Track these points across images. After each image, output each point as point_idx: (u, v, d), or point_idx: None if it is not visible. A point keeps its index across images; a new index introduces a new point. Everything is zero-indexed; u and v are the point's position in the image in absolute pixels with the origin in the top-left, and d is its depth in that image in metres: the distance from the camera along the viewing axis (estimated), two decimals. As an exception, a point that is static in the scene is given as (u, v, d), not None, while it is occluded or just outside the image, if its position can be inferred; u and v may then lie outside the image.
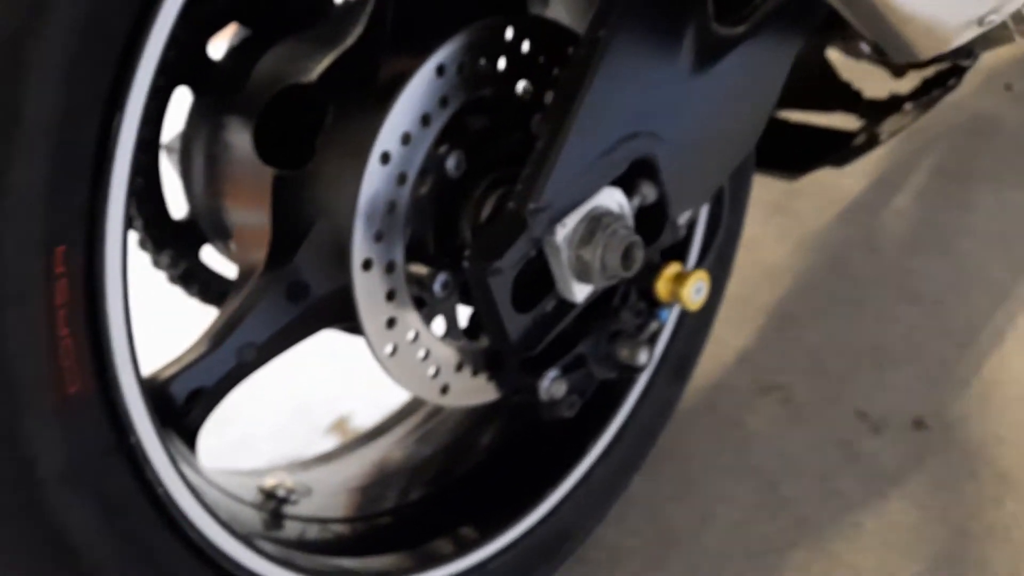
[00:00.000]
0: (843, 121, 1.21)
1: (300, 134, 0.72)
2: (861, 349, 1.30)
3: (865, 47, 0.66)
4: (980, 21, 0.63)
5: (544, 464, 0.91)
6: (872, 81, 1.26)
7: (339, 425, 1.18)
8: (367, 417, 1.19)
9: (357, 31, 0.72)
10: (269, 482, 0.79)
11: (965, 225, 1.51)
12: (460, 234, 0.71)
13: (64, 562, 0.52)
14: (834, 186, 1.59)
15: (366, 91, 0.72)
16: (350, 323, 0.77)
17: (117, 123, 0.49)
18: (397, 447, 0.93)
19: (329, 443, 1.13)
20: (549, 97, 0.73)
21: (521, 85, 0.72)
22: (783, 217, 1.54)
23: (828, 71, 1.22)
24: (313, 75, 0.71)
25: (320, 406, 1.20)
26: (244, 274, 0.73)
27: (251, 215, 0.72)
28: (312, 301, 0.73)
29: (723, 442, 1.16)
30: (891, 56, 0.70)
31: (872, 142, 0.99)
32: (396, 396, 1.20)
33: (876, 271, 1.44)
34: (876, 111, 1.16)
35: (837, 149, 1.10)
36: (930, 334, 1.32)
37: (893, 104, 1.16)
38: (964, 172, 1.63)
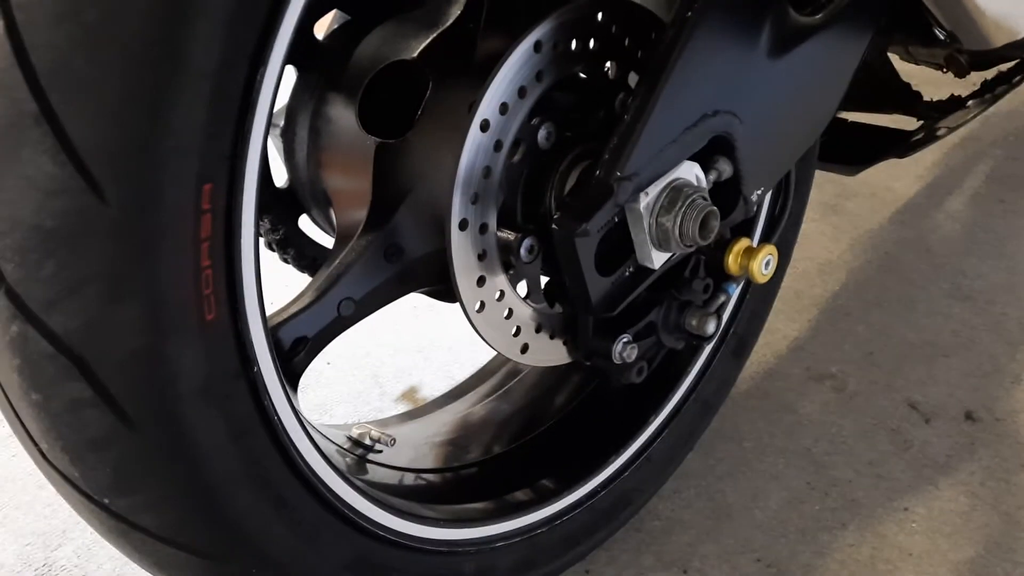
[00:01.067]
0: (900, 123, 1.24)
1: (400, 106, 0.77)
2: (913, 343, 1.33)
3: (940, 33, 0.70)
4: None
5: (610, 431, 0.95)
6: (927, 87, 1.29)
7: (408, 394, 1.23)
8: (434, 388, 1.25)
9: (455, 12, 0.78)
10: (356, 431, 0.84)
11: (1018, 230, 1.53)
12: (545, 202, 0.76)
13: (194, 472, 0.58)
14: (887, 189, 1.62)
15: (465, 66, 0.77)
16: (438, 286, 0.83)
17: (261, 76, 0.54)
18: (478, 406, 0.98)
19: (400, 410, 1.19)
20: (632, 77, 0.78)
21: (608, 65, 0.76)
22: (837, 216, 1.57)
23: (889, 72, 1.26)
24: (414, 52, 0.76)
25: (391, 376, 1.26)
26: (342, 237, 0.79)
27: (352, 181, 0.78)
28: (406, 262, 0.78)
29: (776, 425, 1.20)
30: (964, 43, 0.74)
31: (933, 135, 1.02)
32: (461, 370, 1.26)
33: (928, 270, 1.47)
34: (936, 112, 1.19)
35: (896, 146, 1.13)
36: (980, 331, 1.35)
37: (953, 105, 1.19)
38: (1018, 178, 1.65)
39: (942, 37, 0.73)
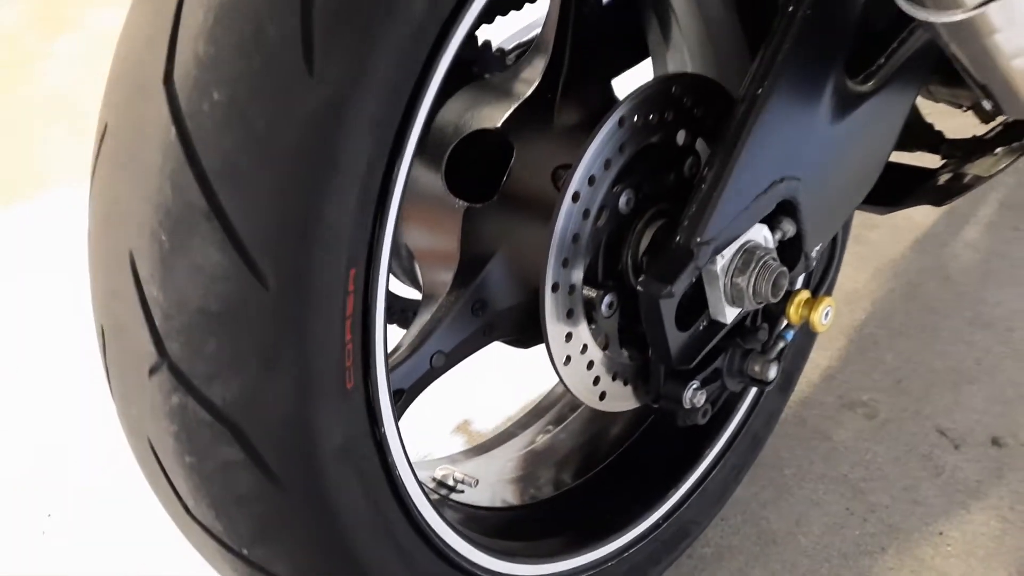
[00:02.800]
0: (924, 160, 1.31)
1: (485, 171, 0.83)
2: (938, 370, 1.39)
3: (978, 94, 0.76)
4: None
5: (668, 464, 1.01)
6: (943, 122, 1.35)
7: (462, 427, 1.29)
8: (485, 422, 1.31)
9: (534, 82, 0.84)
10: (440, 472, 0.90)
11: (1035, 257, 1.60)
12: (623, 260, 0.82)
13: (329, 523, 0.64)
14: (907, 218, 1.69)
15: (545, 133, 0.84)
16: (517, 335, 0.89)
17: (397, 169, 0.60)
18: (540, 441, 1.04)
19: (455, 441, 1.25)
20: (700, 143, 0.84)
21: (679, 132, 0.83)
22: (860, 247, 1.63)
23: (914, 112, 1.32)
24: (498, 122, 0.82)
25: (446, 411, 1.32)
26: (430, 293, 0.84)
27: (440, 242, 0.84)
28: (491, 315, 0.84)
29: (813, 452, 1.26)
30: (1002, 112, 0.81)
31: (970, 183, 1.08)
32: (510, 405, 1.32)
33: (950, 298, 1.53)
34: (959, 152, 1.26)
35: (922, 184, 1.19)
36: (1002, 358, 1.41)
37: (974, 144, 1.25)
38: (1031, 206, 1.72)
39: (981, 100, 0.79)
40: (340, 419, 0.62)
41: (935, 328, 1.47)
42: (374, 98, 0.57)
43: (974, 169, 1.12)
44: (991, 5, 0.55)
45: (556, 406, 1.10)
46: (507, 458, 0.99)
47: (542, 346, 0.81)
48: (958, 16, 0.57)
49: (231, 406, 0.59)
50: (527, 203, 0.82)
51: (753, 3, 0.95)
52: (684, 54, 1.00)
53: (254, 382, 0.58)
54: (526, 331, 0.89)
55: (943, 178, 1.19)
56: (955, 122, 1.23)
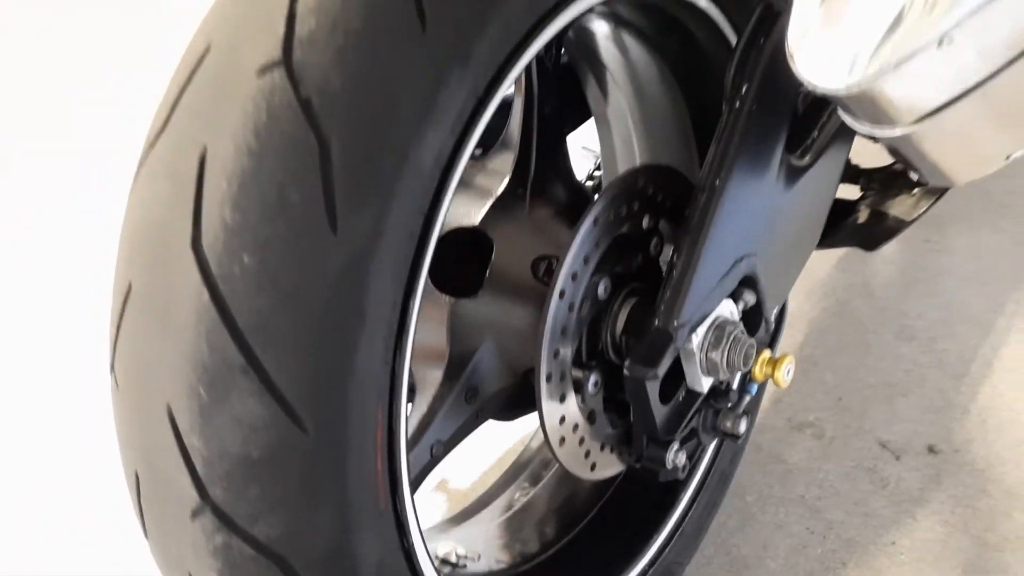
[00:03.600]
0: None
1: (467, 267, 0.88)
2: (874, 385, 1.50)
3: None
4: (1008, 157, 0.83)
5: (647, 512, 1.08)
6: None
7: (441, 486, 1.34)
8: (462, 480, 1.36)
9: (505, 178, 0.90)
10: (442, 551, 0.95)
11: (946, 267, 1.73)
12: (603, 339, 0.88)
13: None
14: (829, 236, 1.81)
15: (521, 227, 0.89)
16: (504, 413, 0.94)
17: (412, 305, 0.65)
18: (523, 500, 1.09)
19: (436, 500, 1.30)
20: (663, 224, 0.90)
21: (645, 218, 0.89)
22: (790, 268, 1.74)
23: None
24: (476, 219, 0.88)
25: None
26: (421, 386, 0.89)
27: (428, 336, 0.88)
28: (481, 400, 0.89)
29: (770, 477, 1.35)
30: (925, 183, 0.90)
31: (894, 226, 1.18)
32: (484, 464, 1.37)
33: (876, 314, 1.65)
34: (876, 182, 1.36)
35: (844, 219, 1.29)
36: (929, 368, 1.53)
37: (890, 174, 1.36)
38: (939, 219, 1.85)
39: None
40: (376, 538, 0.66)
41: (866, 344, 1.59)
42: (393, 247, 0.61)
43: (894, 209, 1.21)
44: (924, 122, 0.63)
45: (530, 465, 1.16)
46: (492, 521, 1.05)
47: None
48: (896, 132, 0.65)
49: (276, 542, 0.62)
50: (511, 294, 0.87)
51: (688, 77, 1.03)
52: (627, 120, 1.07)
53: (297, 518, 0.62)
54: (513, 408, 0.94)
55: (864, 213, 1.29)
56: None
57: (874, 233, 1.17)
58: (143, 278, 0.62)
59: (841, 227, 1.27)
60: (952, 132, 0.65)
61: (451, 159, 0.64)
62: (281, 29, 0.60)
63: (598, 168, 1.38)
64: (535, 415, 0.92)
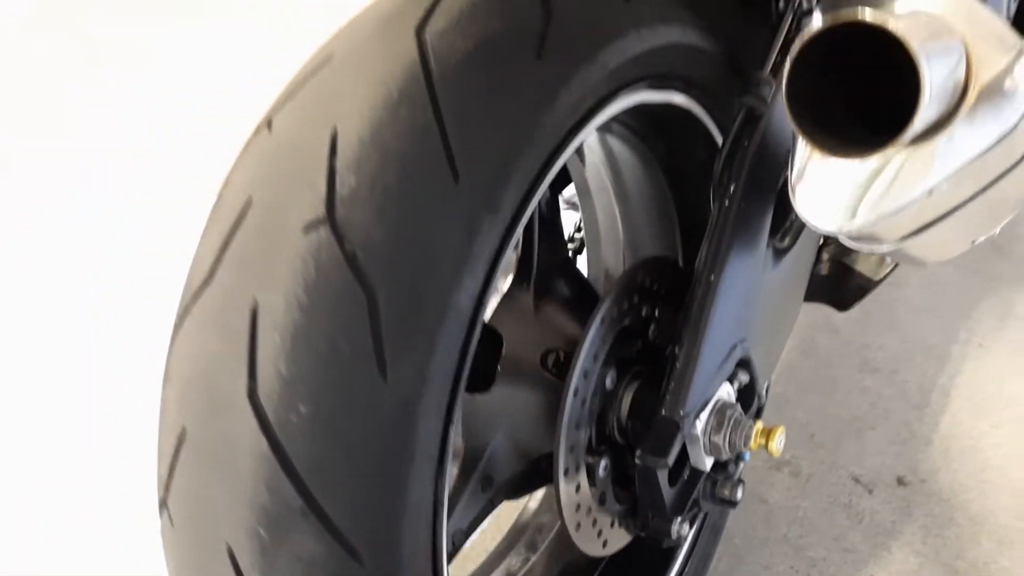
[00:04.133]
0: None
1: (480, 363, 0.93)
2: (844, 420, 1.58)
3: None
4: (973, 241, 0.90)
5: (647, 569, 1.14)
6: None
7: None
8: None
9: (510, 274, 0.94)
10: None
11: (902, 300, 1.83)
12: (610, 424, 0.93)
13: None
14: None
15: (527, 322, 0.94)
16: (515, 494, 0.99)
17: (449, 430, 0.69)
18: (526, 565, 1.14)
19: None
20: (660, 310, 0.96)
21: (644, 309, 0.95)
22: (756, 306, 1.82)
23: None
24: (486, 316, 0.92)
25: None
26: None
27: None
28: (496, 487, 0.94)
29: (754, 517, 1.42)
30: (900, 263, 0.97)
31: (863, 285, 1.26)
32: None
33: (840, 348, 1.73)
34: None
35: (829, 294, 1.35)
36: (892, 400, 1.62)
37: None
38: (891, 249, 1.95)
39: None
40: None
41: (833, 380, 1.67)
42: (437, 387, 0.65)
43: (860, 264, 1.29)
44: (906, 240, 0.69)
45: (527, 532, 1.20)
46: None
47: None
48: (881, 250, 0.71)
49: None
50: (522, 386, 0.92)
51: (674, 169, 1.08)
52: (611, 201, 1.13)
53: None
54: (524, 488, 0.99)
55: (827, 264, 1.37)
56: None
57: (843, 293, 1.24)
58: (199, 425, 0.65)
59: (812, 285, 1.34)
60: (928, 240, 0.71)
61: (482, 294, 0.69)
62: (323, 187, 0.64)
63: (579, 229, 1.43)
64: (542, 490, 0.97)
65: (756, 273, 0.94)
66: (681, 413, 0.87)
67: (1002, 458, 1.50)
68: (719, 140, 0.98)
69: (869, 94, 0.58)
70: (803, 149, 0.68)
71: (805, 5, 0.92)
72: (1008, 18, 1.53)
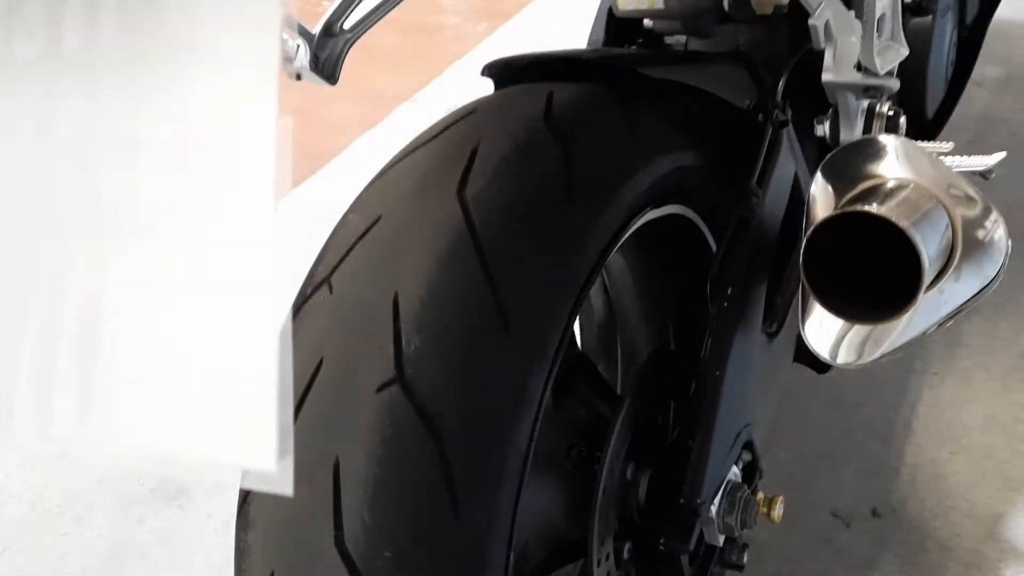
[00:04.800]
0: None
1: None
2: (817, 455, 1.70)
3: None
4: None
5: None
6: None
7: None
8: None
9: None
10: None
11: (861, 333, 1.96)
12: (630, 509, 1.02)
13: None
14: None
15: (550, 422, 1.02)
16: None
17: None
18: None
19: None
20: (669, 402, 1.05)
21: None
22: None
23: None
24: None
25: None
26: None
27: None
28: (525, 573, 1.01)
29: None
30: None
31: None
32: None
33: (806, 384, 1.85)
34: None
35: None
36: (858, 433, 1.74)
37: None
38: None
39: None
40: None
41: (803, 415, 1.78)
42: (503, 518, 0.73)
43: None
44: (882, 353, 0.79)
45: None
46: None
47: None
48: (858, 364, 0.81)
49: None
50: (549, 481, 1.00)
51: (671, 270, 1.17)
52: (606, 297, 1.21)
53: None
54: (547, 570, 1.07)
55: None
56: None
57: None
58: (288, 570, 0.72)
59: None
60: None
61: (535, 429, 0.76)
62: (391, 350, 0.71)
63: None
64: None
65: (754, 361, 1.04)
66: (698, 501, 0.96)
67: (963, 484, 1.63)
68: (712, 242, 1.07)
69: (873, 256, 0.67)
70: (817, 305, 0.77)
71: (781, 117, 1.02)
72: (950, 64, 1.66)
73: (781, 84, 1.02)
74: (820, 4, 0.78)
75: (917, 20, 1.44)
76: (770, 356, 1.07)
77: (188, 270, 0.39)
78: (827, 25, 0.78)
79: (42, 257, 0.41)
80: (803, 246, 0.64)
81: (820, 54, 0.92)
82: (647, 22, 1.32)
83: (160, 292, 0.39)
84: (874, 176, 0.70)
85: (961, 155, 1.03)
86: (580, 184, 0.81)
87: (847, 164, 0.73)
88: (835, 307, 0.65)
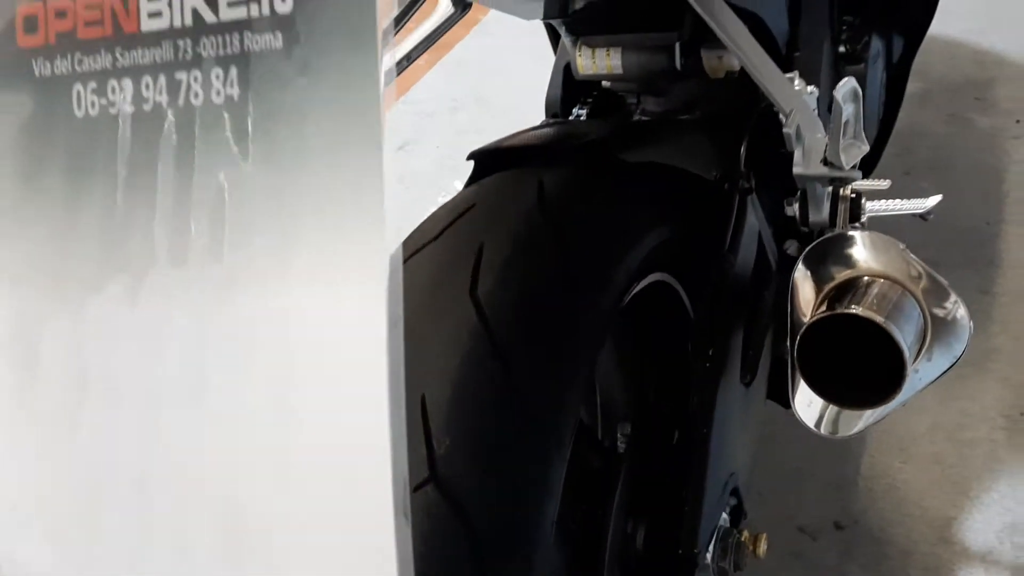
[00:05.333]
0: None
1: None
2: (784, 473, 1.80)
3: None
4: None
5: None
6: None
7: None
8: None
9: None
10: None
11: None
12: (631, 562, 1.09)
13: None
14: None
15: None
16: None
17: None
18: None
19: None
20: (661, 460, 1.12)
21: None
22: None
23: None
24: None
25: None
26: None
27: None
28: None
29: None
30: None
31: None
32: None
33: (772, 408, 1.95)
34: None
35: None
36: (818, 449, 1.85)
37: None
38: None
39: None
40: None
41: (771, 432, 1.88)
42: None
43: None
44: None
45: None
46: None
47: None
48: (842, 436, 0.89)
49: None
50: (558, 542, 1.06)
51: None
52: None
53: None
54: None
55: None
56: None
57: (785, 389, 1.44)
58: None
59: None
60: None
61: (555, 511, 0.83)
62: (424, 451, 0.77)
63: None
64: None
65: (736, 413, 1.12)
66: (695, 551, 1.03)
67: (916, 492, 1.75)
68: (688, 305, 1.15)
69: (858, 346, 0.76)
70: (807, 388, 0.85)
71: (746, 185, 1.10)
72: (881, 104, 1.78)
73: (743, 154, 1.11)
74: (792, 111, 0.86)
75: (851, 68, 1.54)
76: (749, 404, 1.15)
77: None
78: (798, 129, 0.86)
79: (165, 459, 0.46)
80: (796, 344, 0.72)
81: (774, 115, 1.00)
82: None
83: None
84: (850, 268, 0.79)
85: (899, 198, 1.13)
86: (578, 271, 0.88)
87: (825, 257, 0.81)
88: (830, 396, 0.73)
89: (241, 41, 0.46)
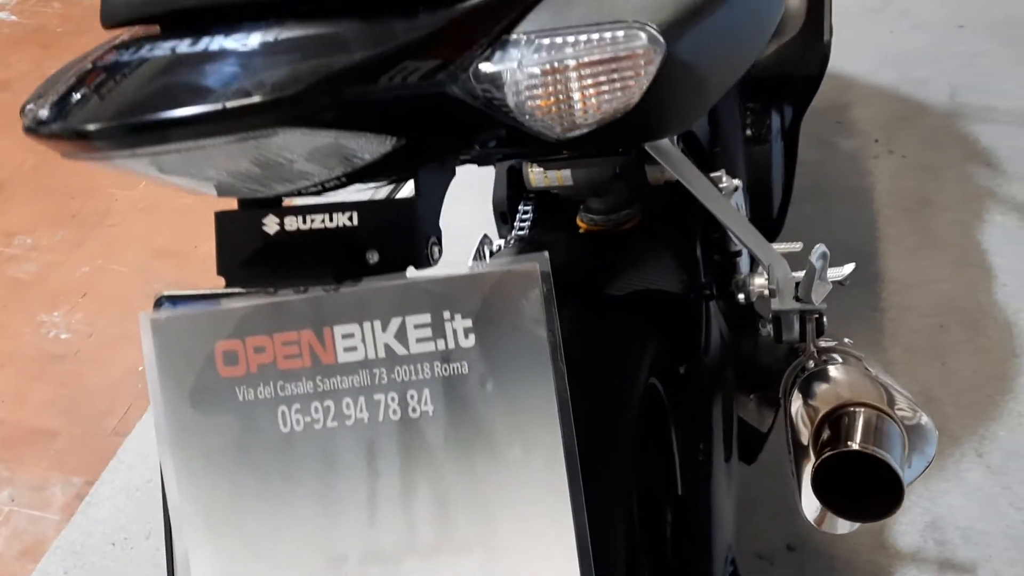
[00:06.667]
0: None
1: None
2: (740, 500, 1.99)
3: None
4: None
5: None
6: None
7: None
8: None
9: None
10: None
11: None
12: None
13: None
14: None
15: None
16: None
17: None
18: None
19: None
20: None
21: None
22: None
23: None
24: None
25: None
26: None
27: None
28: None
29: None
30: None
31: (759, 438, 1.64)
32: None
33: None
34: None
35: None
36: (763, 477, 2.05)
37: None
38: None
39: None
40: None
41: (714, 471, 2.08)
42: None
43: (748, 416, 1.68)
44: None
45: None
46: None
47: None
48: (840, 533, 1.06)
49: None
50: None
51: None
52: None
53: None
54: None
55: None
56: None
57: (744, 446, 1.62)
58: None
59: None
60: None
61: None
62: None
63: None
64: None
65: (726, 494, 1.28)
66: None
67: (850, 505, 1.97)
68: (666, 400, 1.30)
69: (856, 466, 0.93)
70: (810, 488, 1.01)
71: (708, 293, 1.26)
72: (782, 173, 1.99)
73: (701, 265, 1.27)
74: (769, 264, 1.03)
75: (757, 148, 1.74)
76: (732, 480, 1.32)
77: None
78: (778, 281, 1.03)
79: None
80: (811, 478, 0.89)
81: (712, 218, 1.17)
82: None
83: None
84: (833, 399, 0.96)
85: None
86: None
87: (811, 389, 0.98)
88: (842, 513, 0.90)
89: (432, 368, 0.58)
